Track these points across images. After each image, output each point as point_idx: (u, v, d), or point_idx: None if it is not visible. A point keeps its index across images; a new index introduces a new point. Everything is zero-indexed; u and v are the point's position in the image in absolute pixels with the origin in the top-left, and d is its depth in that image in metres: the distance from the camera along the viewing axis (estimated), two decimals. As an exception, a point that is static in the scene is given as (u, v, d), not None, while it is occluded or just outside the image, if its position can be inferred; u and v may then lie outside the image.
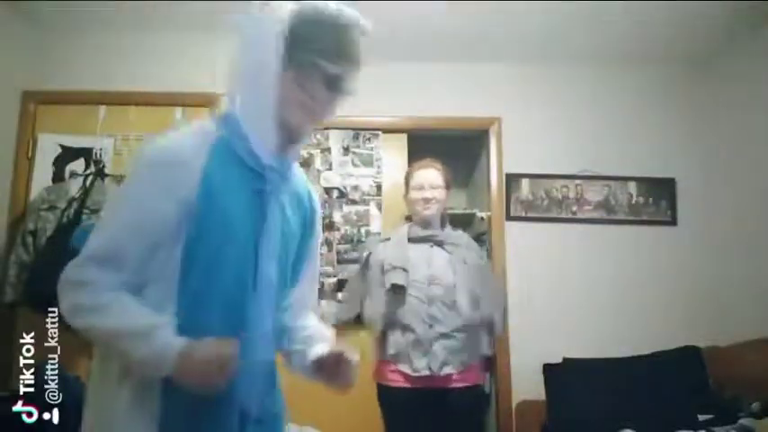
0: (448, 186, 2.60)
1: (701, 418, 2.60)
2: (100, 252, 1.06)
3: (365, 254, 2.68)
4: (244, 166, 1.13)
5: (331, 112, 1.17)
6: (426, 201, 2.51)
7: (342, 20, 1.12)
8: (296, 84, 1.11)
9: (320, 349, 1.22)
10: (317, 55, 1.10)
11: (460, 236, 2.61)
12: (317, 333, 1.29)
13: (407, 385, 2.38)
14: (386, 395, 2.43)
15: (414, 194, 2.55)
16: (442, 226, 2.60)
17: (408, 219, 2.72)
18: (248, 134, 1.13)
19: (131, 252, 1.06)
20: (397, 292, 2.41)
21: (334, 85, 1.13)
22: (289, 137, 1.17)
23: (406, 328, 2.39)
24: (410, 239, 2.52)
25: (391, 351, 2.41)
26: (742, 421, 2.45)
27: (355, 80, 1.16)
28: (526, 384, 3.19)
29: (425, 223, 2.54)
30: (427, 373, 2.34)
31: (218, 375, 1.01)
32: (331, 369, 1.19)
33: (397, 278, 2.40)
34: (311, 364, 1.22)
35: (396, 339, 2.40)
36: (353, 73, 1.15)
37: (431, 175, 2.55)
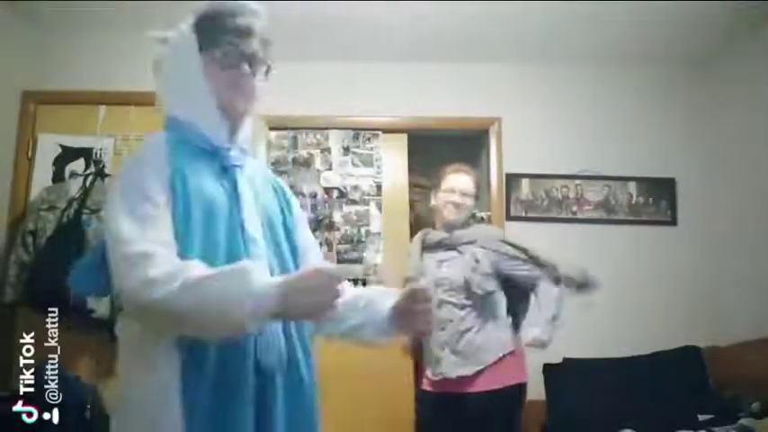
0: (477, 196, 2.55)
1: (701, 418, 2.60)
2: (136, 221, 1.05)
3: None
4: (201, 151, 1.20)
5: (258, 90, 1.24)
6: (456, 206, 2.44)
7: (237, 8, 1.23)
8: (218, 66, 1.21)
9: (386, 302, 1.25)
10: (226, 36, 1.21)
11: (475, 232, 2.48)
12: (377, 293, 1.30)
13: (431, 389, 2.39)
14: (418, 398, 2.49)
15: (443, 197, 2.48)
16: (463, 228, 2.50)
17: (415, 213, 2.69)
18: (195, 123, 1.20)
19: (164, 230, 1.06)
20: None
21: (254, 63, 1.22)
22: (232, 121, 1.23)
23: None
24: (425, 248, 2.50)
25: (423, 355, 2.46)
26: (742, 421, 2.46)
27: (271, 56, 1.25)
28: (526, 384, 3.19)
29: (447, 227, 2.48)
30: (441, 377, 2.32)
31: (328, 299, 1.02)
32: (411, 314, 1.21)
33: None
34: (390, 314, 1.23)
35: (424, 344, 2.43)
36: (267, 50, 1.25)
37: (465, 182, 2.49)
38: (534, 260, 2.39)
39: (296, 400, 1.15)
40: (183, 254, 1.06)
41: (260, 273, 1.03)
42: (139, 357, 1.09)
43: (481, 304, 2.35)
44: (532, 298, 2.42)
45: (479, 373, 2.29)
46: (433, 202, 2.57)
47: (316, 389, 1.21)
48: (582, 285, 2.41)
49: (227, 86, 1.21)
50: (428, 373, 2.40)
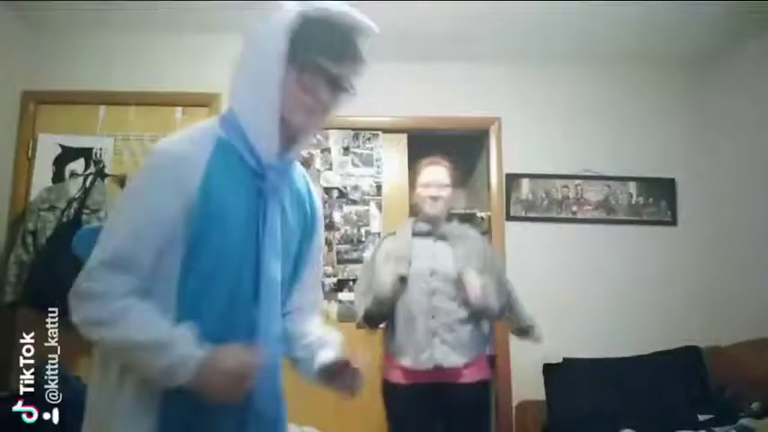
0: (454, 185, 2.60)
1: (701, 418, 2.60)
2: (112, 257, 1.05)
3: (373, 251, 2.68)
4: (245, 166, 1.12)
5: (333, 112, 1.17)
6: (434, 199, 2.50)
7: (346, 21, 1.12)
8: (298, 84, 1.11)
9: (326, 356, 1.21)
10: (321, 55, 1.10)
11: (466, 230, 2.60)
12: (321, 339, 1.27)
13: (409, 381, 2.36)
14: (389, 391, 2.42)
15: (421, 191, 2.54)
16: (448, 221, 2.59)
17: (414, 213, 2.71)
18: (249, 134, 1.12)
19: (143, 255, 1.05)
20: (400, 282, 2.39)
21: (337, 86, 1.13)
22: (290, 137, 1.16)
23: (408, 321, 2.38)
24: (414, 234, 2.52)
25: (394, 345, 2.41)
26: (742, 421, 2.46)
27: (357, 81, 1.16)
28: (526, 384, 3.19)
29: (430, 220, 2.53)
30: (430, 366, 2.31)
31: (238, 386, 1.02)
32: (338, 376, 1.19)
33: (400, 269, 2.39)
34: (318, 372, 1.21)
35: (399, 332, 2.39)
36: (356, 74, 1.16)
37: (439, 174, 2.54)
38: (500, 285, 2.48)
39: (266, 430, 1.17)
40: (183, 279, 1.07)
41: (185, 344, 1.03)
42: (118, 404, 1.07)
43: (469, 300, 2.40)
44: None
45: (467, 365, 2.35)
46: (414, 199, 2.62)
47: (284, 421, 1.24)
48: (524, 333, 2.52)
49: (300, 107, 1.12)
50: (405, 362, 2.36)
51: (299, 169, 1.29)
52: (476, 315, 2.40)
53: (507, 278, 2.59)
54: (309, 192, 1.31)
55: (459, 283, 2.37)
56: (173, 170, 1.07)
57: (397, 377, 2.39)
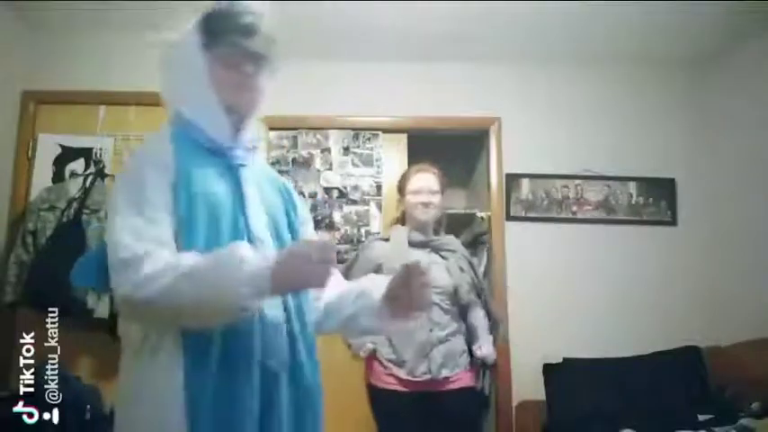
0: (442, 191, 2.61)
1: (701, 418, 2.60)
2: (132, 229, 1.06)
3: (355, 254, 2.70)
4: (205, 150, 1.20)
5: (262, 88, 1.25)
6: (425, 206, 2.52)
7: (240, 6, 1.24)
8: (221, 65, 1.21)
9: (378, 289, 1.25)
10: (233, 34, 1.21)
11: (454, 242, 2.65)
12: (362, 285, 1.31)
13: (401, 388, 2.37)
14: (379, 398, 2.41)
15: (411, 199, 2.56)
16: (436, 231, 2.63)
17: (398, 221, 2.71)
18: (198, 121, 1.21)
19: (160, 230, 1.08)
20: None
21: (257, 62, 1.23)
22: (236, 120, 1.24)
23: (406, 333, 2.37)
24: (411, 244, 2.52)
25: (389, 355, 2.40)
26: (742, 421, 2.46)
27: (275, 56, 1.26)
28: (526, 384, 3.19)
29: (422, 227, 2.55)
30: (427, 377, 2.34)
31: (322, 265, 1.03)
32: (404, 297, 1.21)
33: None
34: (384, 300, 1.23)
35: (396, 343, 2.39)
36: (271, 48, 1.25)
37: (429, 180, 2.56)
38: (478, 289, 2.55)
39: (300, 401, 1.16)
40: (184, 247, 1.08)
41: (252, 254, 1.04)
42: (142, 360, 1.09)
43: (461, 312, 2.49)
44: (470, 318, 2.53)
45: (459, 373, 2.41)
46: (403, 206, 2.63)
47: (320, 389, 1.22)
48: (494, 326, 2.57)
49: (230, 86, 1.21)
50: (400, 373, 2.37)
51: (263, 163, 1.38)
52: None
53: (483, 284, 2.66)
54: (277, 175, 1.39)
55: (453, 296, 2.43)
56: (151, 161, 1.14)
57: (388, 384, 2.39)
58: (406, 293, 1.21)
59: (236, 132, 1.24)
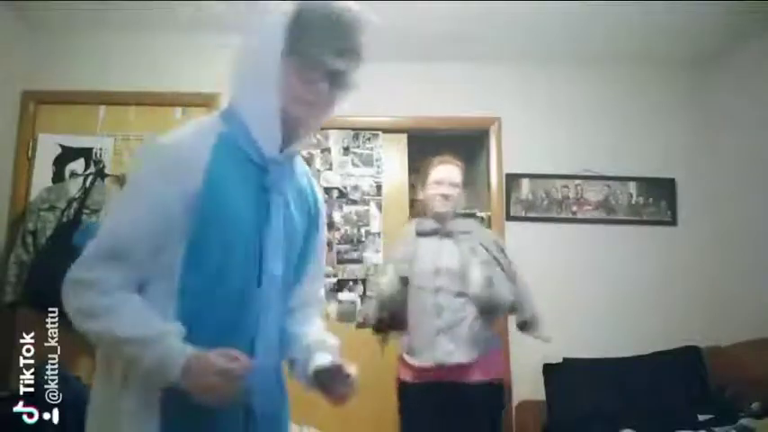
0: (464, 186, 2.58)
1: (701, 418, 2.60)
2: (106, 248, 1.05)
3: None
4: (247, 161, 1.13)
5: (332, 107, 1.17)
6: (444, 197, 2.47)
7: (346, 15, 1.12)
8: (297, 77, 1.11)
9: (322, 360, 1.20)
10: (320, 48, 1.09)
11: (471, 224, 2.56)
12: (320, 342, 1.26)
13: (417, 380, 2.36)
14: (400, 389, 2.43)
15: (431, 189, 2.51)
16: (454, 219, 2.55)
17: (417, 213, 2.70)
18: (251, 127, 1.13)
19: (138, 247, 1.05)
20: (402, 283, 2.40)
21: (336, 80, 1.13)
22: (291, 132, 1.16)
23: (416, 321, 2.38)
24: (419, 233, 2.50)
25: (406, 345, 2.41)
26: (742, 421, 2.46)
27: (356, 75, 1.16)
28: (526, 384, 3.19)
29: (438, 218, 2.50)
30: (433, 363, 2.30)
31: (226, 388, 1.00)
32: (331, 381, 1.18)
33: (401, 270, 2.40)
34: (312, 375, 1.20)
35: (410, 332, 2.40)
36: (355, 68, 1.15)
37: (452, 172, 2.51)
38: (510, 275, 2.44)
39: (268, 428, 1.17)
40: (185, 275, 1.06)
41: (174, 341, 1.02)
42: (116, 408, 1.07)
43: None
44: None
45: (474, 363, 2.31)
46: (421, 195, 2.59)
47: (287, 413, 1.24)
48: (529, 328, 2.47)
49: (299, 100, 1.12)
50: (413, 361, 2.36)
51: (301, 165, 1.29)
52: (485, 311, 2.36)
53: (517, 271, 2.51)
54: (312, 188, 1.31)
55: (463, 279, 2.34)
56: (174, 164, 1.07)
57: (406, 375, 2.40)
58: (332, 383, 1.17)
59: (286, 142, 1.16)
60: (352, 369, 1.16)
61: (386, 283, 2.40)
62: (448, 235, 2.47)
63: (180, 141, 1.10)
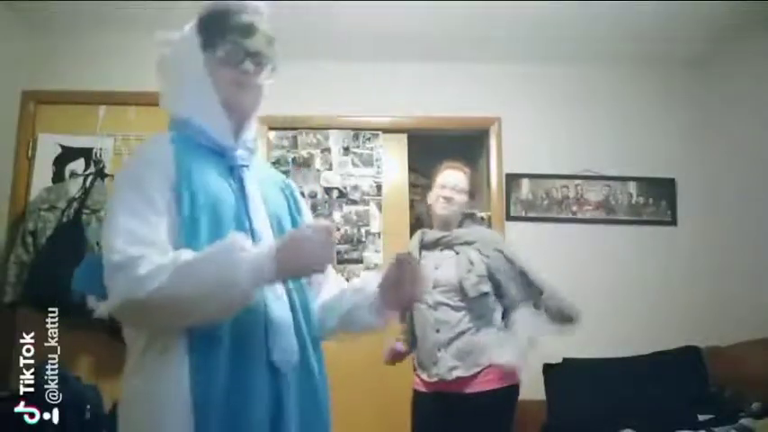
0: (471, 194, 2.56)
1: (701, 418, 2.60)
2: (127, 231, 1.04)
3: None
4: (207, 151, 1.20)
5: (264, 87, 1.24)
6: (446, 200, 2.45)
7: (238, 5, 1.24)
8: (222, 64, 1.20)
9: (374, 282, 1.24)
10: (230, 33, 1.20)
11: (475, 232, 2.48)
12: (361, 280, 1.31)
13: (426, 390, 2.38)
14: (414, 400, 2.45)
15: (435, 192, 2.50)
16: (459, 226, 2.50)
17: (418, 224, 2.70)
18: (200, 123, 1.20)
19: (155, 233, 1.06)
20: None
21: (256, 59, 1.22)
22: (237, 120, 1.23)
23: (419, 336, 2.40)
24: (423, 246, 2.49)
25: (416, 359, 2.46)
26: (742, 421, 2.45)
27: (275, 55, 1.25)
28: (526, 384, 3.18)
29: (441, 223, 2.48)
30: (437, 378, 2.32)
31: (324, 247, 1.04)
32: (397, 284, 1.21)
33: None
34: (377, 298, 1.23)
35: (417, 347, 2.43)
36: (269, 47, 1.24)
37: (456, 177, 2.50)
38: (523, 277, 2.36)
39: (308, 396, 1.16)
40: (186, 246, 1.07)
41: (250, 245, 1.04)
42: (148, 362, 1.08)
43: (477, 307, 2.33)
44: (511, 317, 2.37)
45: (476, 374, 2.29)
46: (428, 200, 2.58)
47: (326, 382, 1.22)
48: (566, 319, 2.36)
49: (231, 85, 1.20)
50: (422, 374, 2.39)
51: (264, 163, 1.37)
52: (481, 316, 2.33)
53: (529, 268, 2.41)
54: (283, 179, 1.37)
55: (460, 291, 2.32)
56: (152, 162, 1.13)
57: (418, 385, 2.43)
58: (399, 285, 1.21)
59: (237, 132, 1.24)
60: (404, 255, 1.23)
61: None
62: (449, 246, 2.44)
63: (147, 147, 1.21)
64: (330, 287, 1.32)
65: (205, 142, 1.20)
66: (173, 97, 1.25)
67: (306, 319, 1.19)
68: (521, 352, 2.29)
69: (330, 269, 1.31)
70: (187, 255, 1.02)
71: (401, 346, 2.47)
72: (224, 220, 1.12)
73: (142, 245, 1.03)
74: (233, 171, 1.20)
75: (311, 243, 1.04)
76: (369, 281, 1.28)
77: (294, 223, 1.28)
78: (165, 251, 1.04)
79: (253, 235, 1.14)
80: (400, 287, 1.21)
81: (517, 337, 2.30)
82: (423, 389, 2.40)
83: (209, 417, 1.02)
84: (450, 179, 2.49)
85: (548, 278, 2.41)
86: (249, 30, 1.22)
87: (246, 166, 1.23)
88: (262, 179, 1.26)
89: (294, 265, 1.05)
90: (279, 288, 1.15)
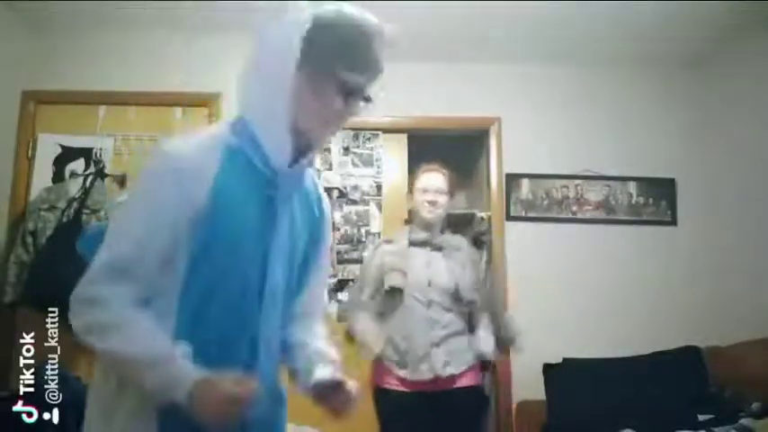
0: (452, 193, 2.60)
1: (701, 418, 2.60)
2: (113, 264, 1.02)
3: (369, 256, 2.69)
4: (256, 173, 1.09)
5: (345, 120, 1.14)
6: (431, 204, 2.50)
7: (363, 28, 1.08)
8: (311, 90, 1.07)
9: (323, 372, 1.18)
10: (335, 62, 1.06)
11: (460, 241, 2.62)
12: (321, 353, 1.24)
13: (405, 389, 2.36)
14: (384, 399, 2.40)
15: (418, 197, 2.54)
16: (442, 231, 2.61)
17: (408, 222, 2.72)
18: (261, 140, 1.09)
19: (148, 261, 1.02)
20: (395, 294, 2.40)
21: (351, 95, 1.09)
22: (302, 144, 1.12)
23: (407, 332, 2.38)
24: (411, 243, 2.52)
25: (392, 356, 2.39)
26: (742, 421, 2.45)
27: (373, 89, 1.13)
28: (526, 384, 3.19)
29: (427, 226, 2.53)
30: (429, 376, 2.32)
31: (230, 412, 0.98)
32: (331, 395, 1.16)
33: (395, 280, 2.40)
34: (312, 386, 1.18)
35: (397, 344, 2.39)
36: (373, 83, 1.12)
37: (437, 180, 2.55)
38: (485, 298, 2.52)
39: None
40: (186, 289, 1.05)
41: (182, 364, 1.00)
42: (114, 388, 1.07)
43: (465, 310, 2.45)
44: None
45: (464, 371, 2.39)
46: (409, 204, 2.63)
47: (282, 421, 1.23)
48: (506, 342, 2.54)
49: (313, 115, 1.09)
50: (403, 373, 2.36)
51: (309, 173, 1.25)
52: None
53: (499, 290, 2.68)
54: (319, 196, 1.27)
55: (453, 295, 2.41)
56: (180, 177, 1.03)
57: (392, 384, 2.38)
58: (332, 396, 1.16)
59: (297, 154, 1.12)
60: (352, 385, 1.15)
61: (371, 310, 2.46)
62: (438, 248, 2.51)
63: (188, 152, 1.05)
64: (307, 319, 1.28)
65: (258, 163, 1.09)
66: (246, 96, 1.12)
67: (272, 361, 1.17)
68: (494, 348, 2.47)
69: (313, 287, 1.28)
70: (133, 337, 1.01)
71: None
72: (239, 256, 1.08)
73: (119, 277, 1.02)
74: (271, 202, 1.11)
75: (220, 401, 0.98)
76: (322, 359, 1.21)
77: (305, 261, 1.22)
78: (138, 282, 1.02)
79: (264, 275, 1.10)
80: (331, 401, 1.17)
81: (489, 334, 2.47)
82: (402, 388, 2.36)
83: None
84: (431, 182, 2.54)
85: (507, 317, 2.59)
86: (359, 64, 1.07)
87: (284, 200, 1.13)
88: (296, 207, 1.18)
89: (199, 415, 0.99)
90: (275, 338, 1.15)
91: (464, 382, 2.39)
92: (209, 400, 0.98)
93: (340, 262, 3.37)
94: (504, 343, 2.53)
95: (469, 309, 2.47)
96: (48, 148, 3.23)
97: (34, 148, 3.23)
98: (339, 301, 3.32)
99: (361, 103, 1.11)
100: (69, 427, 1.77)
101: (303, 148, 1.13)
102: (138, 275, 1.02)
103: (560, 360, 3.11)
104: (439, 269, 2.45)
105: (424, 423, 2.34)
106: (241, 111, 1.13)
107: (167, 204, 1.03)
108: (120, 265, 1.02)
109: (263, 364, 1.12)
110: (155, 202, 1.04)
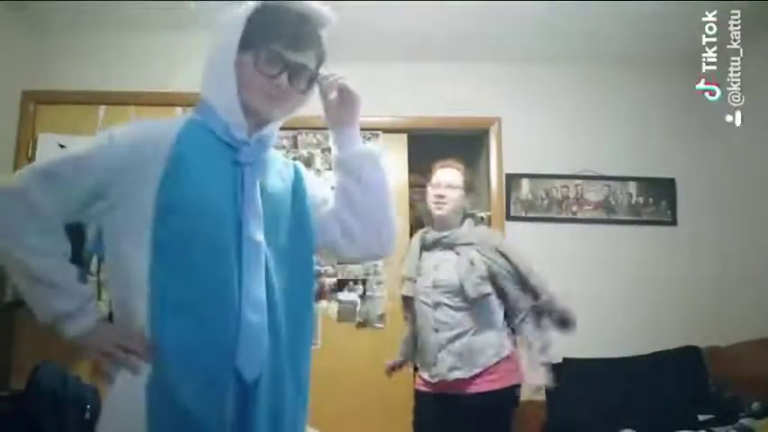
0: (468, 189, 2.51)
1: (701, 418, 2.60)
2: (48, 167, 1.09)
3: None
4: (217, 141, 1.17)
5: (297, 100, 1.21)
6: (439, 197, 2.43)
7: (302, 9, 1.18)
8: (255, 69, 1.15)
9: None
10: (275, 41, 1.14)
11: (475, 232, 2.46)
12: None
13: (428, 390, 2.37)
14: (415, 399, 2.45)
15: (431, 192, 2.48)
16: (458, 226, 2.48)
17: (418, 224, 2.70)
18: (218, 112, 1.17)
19: (73, 184, 1.08)
20: (408, 302, 2.44)
21: (296, 74, 1.17)
22: (257, 121, 1.20)
23: (420, 336, 2.40)
24: (423, 247, 2.49)
25: (417, 359, 2.46)
26: (742, 421, 2.46)
27: (319, 69, 1.22)
28: (526, 384, 3.18)
29: (440, 224, 2.46)
30: (438, 379, 2.32)
31: (118, 357, 1.05)
32: (335, 100, 1.28)
33: (404, 289, 2.43)
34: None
35: (418, 347, 2.43)
36: (315, 62, 1.20)
37: (449, 175, 2.48)
38: (522, 280, 2.35)
39: (277, 411, 1.12)
40: (159, 252, 1.06)
41: (90, 306, 1.10)
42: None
43: (477, 307, 2.32)
44: (522, 329, 2.37)
45: (476, 375, 2.28)
46: (427, 203, 2.55)
47: (302, 404, 1.19)
48: (563, 325, 2.39)
49: (258, 93, 1.16)
50: (424, 375, 2.39)
51: (277, 154, 1.32)
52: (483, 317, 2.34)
53: (530, 271, 2.39)
54: (293, 164, 1.33)
55: (461, 293, 2.30)
56: (135, 138, 1.12)
57: (419, 385, 2.43)
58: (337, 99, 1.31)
59: (255, 128, 1.20)
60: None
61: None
62: (449, 246, 2.42)
63: (148, 123, 1.18)
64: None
65: (221, 134, 1.17)
66: (204, 80, 1.21)
67: (291, 329, 1.15)
68: (543, 364, 2.33)
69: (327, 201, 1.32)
70: (55, 263, 1.10)
71: (391, 363, 2.54)
72: (208, 215, 1.10)
73: (49, 185, 1.07)
74: (238, 165, 1.16)
75: (113, 341, 1.07)
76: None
77: (298, 215, 1.24)
78: (60, 200, 1.08)
79: (241, 235, 1.11)
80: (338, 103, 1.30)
81: (534, 350, 2.32)
82: (425, 389, 2.39)
83: (165, 419, 1.01)
84: (443, 177, 2.47)
85: (546, 282, 2.39)
86: (298, 41, 1.16)
87: (250, 164, 1.17)
88: (266, 173, 1.22)
89: (89, 350, 1.11)
90: (259, 291, 1.11)
91: (478, 387, 2.28)
92: (103, 342, 1.08)
93: (340, 262, 3.37)
94: (558, 326, 2.37)
95: (482, 303, 2.32)
96: (48, 148, 3.22)
97: (34, 149, 3.23)
98: (339, 301, 3.32)
99: (308, 82, 1.20)
100: (69, 427, 1.77)
101: (259, 122, 1.20)
102: (62, 192, 1.08)
103: (560, 360, 3.10)
104: (447, 269, 2.37)
105: (445, 425, 2.33)
106: (202, 91, 1.22)
107: (116, 154, 1.10)
108: (52, 170, 1.09)
109: (250, 316, 1.09)
110: (104, 145, 1.11)
